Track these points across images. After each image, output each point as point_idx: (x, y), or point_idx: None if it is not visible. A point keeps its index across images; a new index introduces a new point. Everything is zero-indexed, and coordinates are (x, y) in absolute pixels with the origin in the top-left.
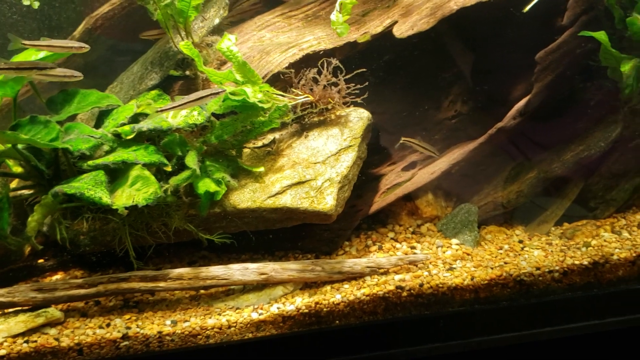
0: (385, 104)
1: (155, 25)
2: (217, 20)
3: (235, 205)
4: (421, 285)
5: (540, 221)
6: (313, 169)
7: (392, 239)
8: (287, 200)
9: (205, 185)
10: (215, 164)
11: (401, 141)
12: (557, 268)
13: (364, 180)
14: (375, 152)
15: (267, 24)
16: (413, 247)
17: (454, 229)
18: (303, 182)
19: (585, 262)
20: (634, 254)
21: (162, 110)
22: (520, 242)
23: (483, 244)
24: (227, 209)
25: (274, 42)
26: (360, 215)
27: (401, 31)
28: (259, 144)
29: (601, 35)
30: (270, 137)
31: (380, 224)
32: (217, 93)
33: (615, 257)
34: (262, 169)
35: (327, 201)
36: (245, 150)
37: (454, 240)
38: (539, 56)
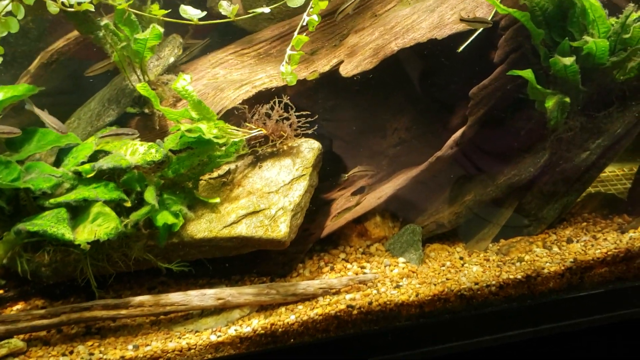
0: (335, 134)
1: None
2: (172, 59)
3: (193, 235)
4: (370, 303)
5: (478, 239)
6: (267, 198)
7: (343, 259)
8: (243, 229)
9: (164, 218)
10: (173, 197)
11: (345, 177)
12: (493, 282)
13: (316, 205)
14: (326, 179)
15: (220, 61)
16: (363, 267)
17: (401, 248)
18: (258, 212)
19: (519, 276)
20: (563, 267)
21: None
22: (461, 258)
23: (427, 261)
24: (185, 239)
25: (228, 79)
26: (313, 239)
27: (347, 70)
28: (215, 175)
29: (528, 74)
30: (225, 168)
31: (332, 245)
32: None
33: (546, 270)
34: (217, 200)
35: (281, 229)
36: (202, 181)
37: (401, 259)
38: (472, 92)
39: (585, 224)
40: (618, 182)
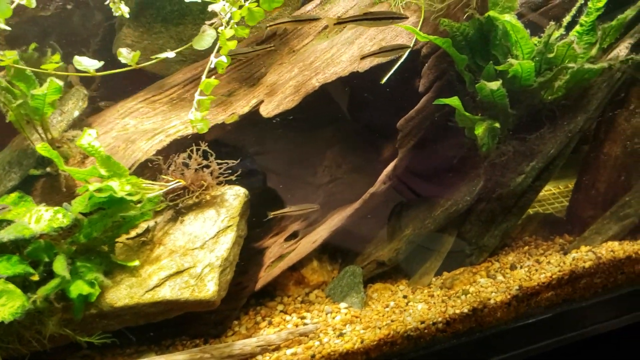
0: (263, 177)
1: None
2: (76, 113)
3: (112, 304)
4: (313, 356)
5: (421, 273)
6: (191, 255)
7: (281, 311)
8: (167, 292)
9: (78, 289)
10: (88, 264)
11: (270, 216)
12: (440, 319)
13: (248, 256)
14: (257, 226)
15: (130, 110)
16: (303, 317)
17: (341, 292)
18: (182, 271)
19: (466, 310)
20: (509, 296)
21: None
22: (405, 297)
23: (370, 303)
24: (104, 309)
25: (140, 129)
26: (246, 293)
27: (267, 110)
28: (133, 234)
29: (454, 101)
30: (144, 225)
31: (269, 297)
32: None
33: (492, 301)
34: (137, 262)
35: (209, 288)
36: (119, 243)
37: (342, 304)
38: (400, 124)
39: (527, 247)
40: (555, 201)
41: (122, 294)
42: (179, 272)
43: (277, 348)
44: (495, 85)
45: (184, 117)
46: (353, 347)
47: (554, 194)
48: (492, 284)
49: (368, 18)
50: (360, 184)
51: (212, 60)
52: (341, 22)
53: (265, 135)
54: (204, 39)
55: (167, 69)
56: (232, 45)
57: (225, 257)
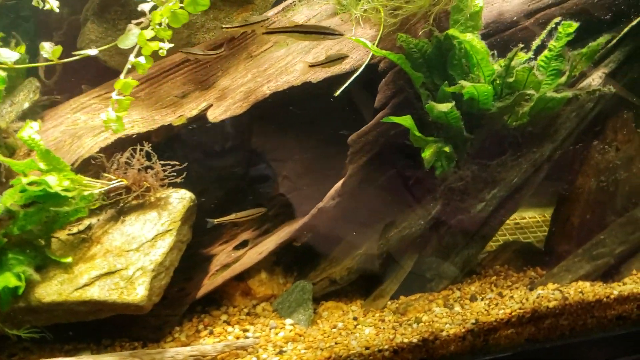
0: (219, 182)
1: None
2: (26, 104)
3: (41, 299)
4: None
5: (376, 295)
6: (125, 257)
7: (224, 322)
8: (95, 292)
9: (5, 281)
10: (19, 256)
11: (214, 222)
12: (386, 347)
13: (194, 262)
14: (207, 232)
15: (82, 105)
16: (246, 330)
17: (289, 308)
18: (113, 272)
19: (415, 340)
20: (464, 330)
21: None
22: (355, 319)
23: (319, 322)
24: (32, 303)
25: (88, 125)
26: (189, 299)
27: (215, 115)
28: (75, 230)
29: (406, 120)
30: (87, 222)
31: (215, 306)
32: None
33: (444, 333)
34: (69, 259)
35: (138, 292)
36: (61, 237)
37: (288, 321)
38: (351, 139)
39: (495, 277)
40: (538, 229)
41: (53, 289)
42: (109, 273)
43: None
44: (445, 107)
45: (133, 116)
46: None
47: (538, 222)
48: (447, 314)
49: (298, 31)
50: (321, 196)
51: (131, 59)
52: (270, 32)
53: (222, 140)
54: (129, 38)
55: None
56: (155, 46)
57: (160, 261)
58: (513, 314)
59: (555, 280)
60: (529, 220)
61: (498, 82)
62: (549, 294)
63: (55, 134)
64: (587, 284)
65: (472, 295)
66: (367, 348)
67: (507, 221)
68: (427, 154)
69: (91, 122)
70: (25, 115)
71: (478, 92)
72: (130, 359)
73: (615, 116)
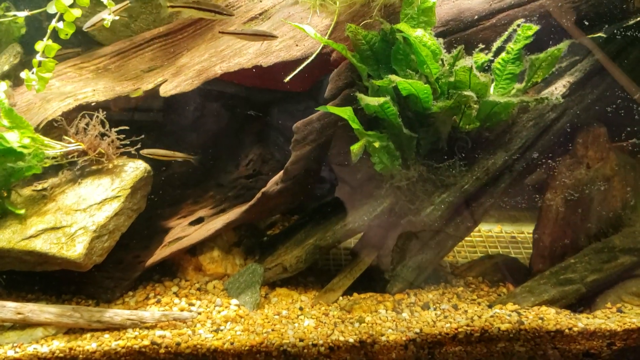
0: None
1: None
2: (6, 67)
3: None
4: (179, 344)
5: (327, 289)
6: (72, 216)
7: (174, 293)
8: (38, 244)
9: None
10: None
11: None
12: (321, 342)
13: (153, 232)
14: (168, 206)
15: (58, 73)
16: (192, 304)
17: (238, 288)
18: (58, 228)
19: (352, 340)
20: (405, 338)
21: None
22: (301, 309)
23: (266, 306)
24: None
25: (60, 90)
26: (142, 267)
27: (166, 90)
28: (39, 187)
29: (345, 112)
30: (51, 181)
31: (170, 277)
32: None
33: (384, 338)
34: (22, 211)
35: (77, 249)
36: (26, 191)
37: (234, 301)
38: (295, 126)
39: (461, 289)
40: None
41: (5, 237)
42: (55, 228)
43: (153, 327)
44: (375, 101)
45: (99, 85)
46: (222, 345)
47: None
48: (392, 318)
49: (194, 7)
50: None
51: (53, 24)
52: (173, 6)
53: (186, 115)
54: (52, 5)
55: (116, 40)
56: (78, 14)
57: (102, 224)
58: (459, 329)
59: (516, 301)
60: (527, 235)
61: (443, 81)
62: (505, 314)
63: (29, 96)
64: (552, 310)
65: (426, 303)
66: (301, 340)
67: (503, 234)
68: (355, 147)
69: (63, 88)
70: (6, 77)
71: (416, 89)
72: (72, 313)
73: (586, 130)
